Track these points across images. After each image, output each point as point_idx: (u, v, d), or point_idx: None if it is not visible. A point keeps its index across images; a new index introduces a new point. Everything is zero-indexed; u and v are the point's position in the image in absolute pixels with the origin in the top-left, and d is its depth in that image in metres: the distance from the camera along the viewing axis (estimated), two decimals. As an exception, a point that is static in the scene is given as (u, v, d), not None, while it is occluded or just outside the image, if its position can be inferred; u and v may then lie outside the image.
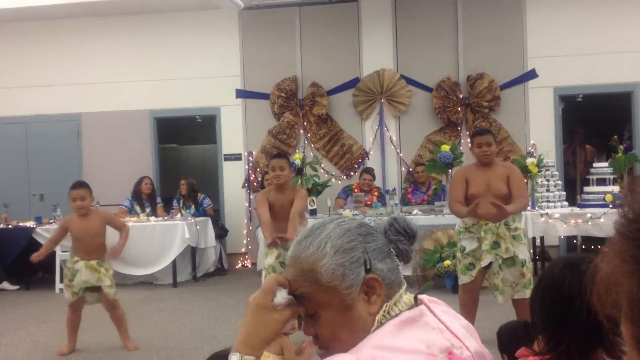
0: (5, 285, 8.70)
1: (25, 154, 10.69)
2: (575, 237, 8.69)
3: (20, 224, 8.97)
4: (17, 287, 8.73)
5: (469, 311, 4.99)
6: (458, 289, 5.45)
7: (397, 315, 1.30)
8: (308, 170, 8.88)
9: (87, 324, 5.79)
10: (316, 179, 8.79)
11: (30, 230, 8.70)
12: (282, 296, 1.31)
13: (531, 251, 8.01)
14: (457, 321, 1.36)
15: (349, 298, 1.27)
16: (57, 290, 8.39)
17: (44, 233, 8.60)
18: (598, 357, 1.59)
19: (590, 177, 8.05)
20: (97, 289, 5.45)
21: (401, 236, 1.37)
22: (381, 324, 1.29)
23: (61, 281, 8.42)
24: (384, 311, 1.30)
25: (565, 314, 1.57)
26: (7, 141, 10.67)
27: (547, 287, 1.64)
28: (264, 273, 5.51)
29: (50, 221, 8.99)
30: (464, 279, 5.19)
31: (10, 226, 8.94)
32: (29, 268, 8.94)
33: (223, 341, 5.65)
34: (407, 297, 1.35)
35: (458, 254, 5.28)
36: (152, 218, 8.93)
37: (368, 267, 1.29)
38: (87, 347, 5.61)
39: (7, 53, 10.72)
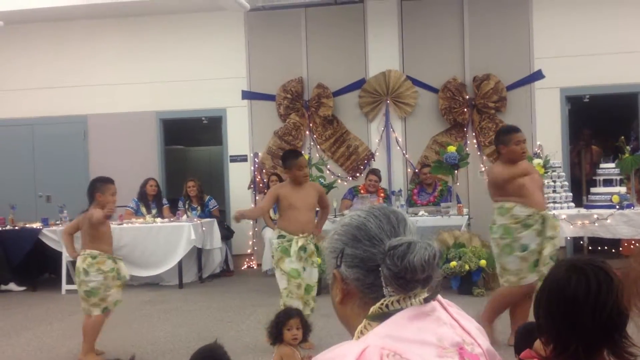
0: (12, 286, 8.73)
1: (32, 156, 10.73)
2: (581, 238, 8.65)
3: (27, 226, 9.00)
4: (23, 288, 8.75)
5: (516, 304, 5.11)
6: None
7: (400, 310, 1.29)
8: (314, 172, 8.88)
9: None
10: (322, 180, 8.79)
11: (36, 231, 8.73)
12: None
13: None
14: (468, 322, 1.36)
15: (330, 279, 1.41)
16: (63, 292, 8.42)
17: (51, 234, 8.63)
18: (603, 358, 1.58)
19: (597, 178, 8.02)
20: None
21: (395, 269, 1.28)
22: (362, 333, 1.29)
23: (67, 283, 8.49)
24: (365, 316, 1.31)
25: (572, 316, 1.56)
26: (14, 143, 10.72)
27: (552, 289, 1.63)
28: (284, 276, 5.35)
29: (57, 222, 9.02)
30: (531, 278, 4.99)
31: (17, 228, 8.97)
32: (36, 269, 8.99)
33: (228, 342, 5.64)
34: (416, 300, 1.32)
35: (518, 254, 5.00)
36: (158, 219, 8.94)
37: (338, 263, 1.37)
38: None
39: (15, 55, 10.77)
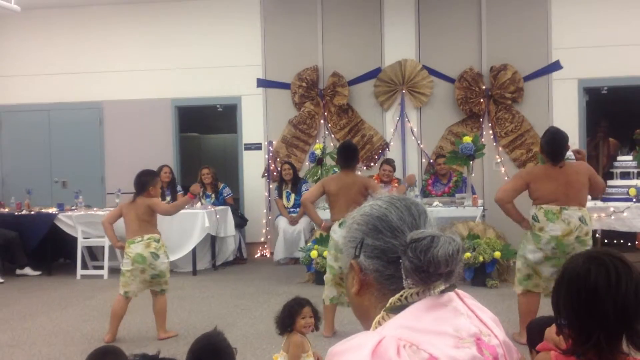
0: (28, 270, 8.81)
1: (48, 141, 10.80)
2: (596, 231, 8.58)
3: (43, 211, 9.08)
4: (39, 272, 8.83)
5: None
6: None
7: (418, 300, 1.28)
8: (328, 161, 8.87)
9: (107, 311, 5.84)
10: (336, 170, 8.77)
11: (52, 216, 8.80)
12: None
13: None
14: (484, 313, 1.35)
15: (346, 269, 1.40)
16: (78, 277, 8.49)
17: (66, 220, 8.70)
18: (622, 348, 1.59)
19: (614, 170, 7.94)
20: None
21: (416, 260, 1.26)
22: (379, 324, 1.28)
23: (82, 268, 8.57)
24: (383, 307, 1.30)
25: (593, 306, 1.56)
26: (30, 128, 10.79)
27: (572, 281, 1.63)
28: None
29: (72, 208, 9.08)
30: None
31: (32, 212, 9.04)
32: (51, 254, 9.07)
33: (242, 329, 5.68)
34: (434, 292, 1.30)
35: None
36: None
37: (357, 253, 1.34)
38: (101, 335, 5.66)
39: (31, 41, 10.82)
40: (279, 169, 9.83)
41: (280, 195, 9.50)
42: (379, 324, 1.28)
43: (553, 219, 4.83)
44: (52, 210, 9.04)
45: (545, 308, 4.47)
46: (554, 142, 4.98)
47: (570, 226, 4.81)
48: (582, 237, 4.82)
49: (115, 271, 8.55)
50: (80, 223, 8.59)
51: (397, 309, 1.27)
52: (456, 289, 1.36)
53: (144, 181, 5.68)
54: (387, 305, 1.29)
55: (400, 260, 1.28)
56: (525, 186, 5.05)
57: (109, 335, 5.44)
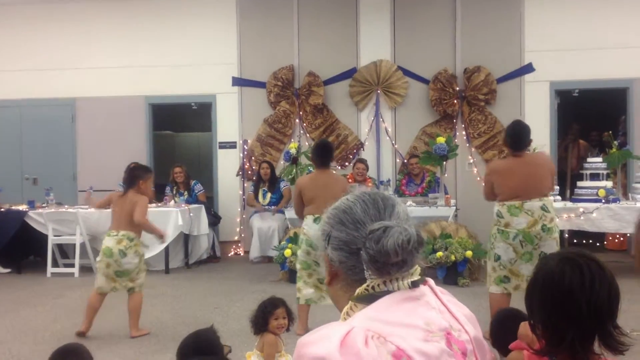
0: (-3, 268, 8.69)
1: (19, 138, 10.65)
2: (563, 231, 8.69)
3: (13, 208, 8.95)
4: (8, 270, 8.70)
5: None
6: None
7: (387, 292, 1.30)
8: (303, 160, 8.88)
9: (83, 307, 5.78)
10: (311, 169, 8.78)
11: (22, 213, 8.68)
12: None
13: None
14: (460, 309, 1.37)
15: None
16: (49, 275, 8.38)
17: (37, 217, 8.59)
18: (594, 349, 1.60)
19: (584, 172, 8.07)
20: None
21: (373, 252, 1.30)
22: (347, 314, 1.32)
23: (53, 265, 8.47)
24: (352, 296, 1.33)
25: (568, 307, 1.57)
26: (1, 125, 10.63)
27: (546, 281, 1.63)
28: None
29: (43, 205, 8.97)
30: None
31: (2, 209, 8.90)
32: (21, 252, 8.94)
33: (215, 327, 5.65)
34: (403, 283, 1.33)
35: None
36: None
37: (326, 245, 1.40)
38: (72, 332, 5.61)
39: (3, 36, 10.66)
40: (253, 167, 9.81)
41: (256, 193, 9.48)
42: (347, 314, 1.31)
43: (516, 213, 4.93)
44: (23, 207, 8.92)
45: (516, 305, 4.52)
46: (514, 131, 5.11)
47: (534, 216, 4.90)
48: (547, 224, 4.91)
49: (86, 269, 8.49)
50: (51, 220, 8.48)
51: (366, 300, 1.29)
52: (432, 284, 1.38)
53: (135, 175, 5.58)
54: (354, 295, 1.32)
55: (361, 252, 1.30)
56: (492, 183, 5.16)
57: (84, 326, 5.41)
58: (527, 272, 4.92)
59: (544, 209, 4.91)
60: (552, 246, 4.86)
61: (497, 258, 5.05)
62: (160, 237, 5.77)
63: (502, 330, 2.72)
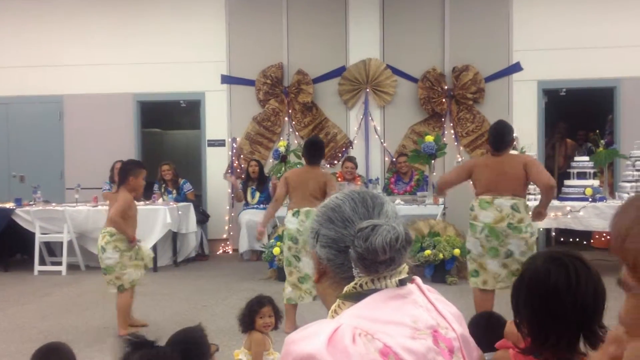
0: (-16, 266, 8.62)
1: (6, 135, 10.57)
2: (549, 230, 8.74)
3: (0, 206, 8.88)
4: (-5, 268, 8.66)
5: None
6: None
7: (374, 290, 1.31)
8: (292, 158, 8.88)
9: (70, 305, 5.76)
10: (299, 167, 8.78)
11: (9, 211, 8.62)
12: None
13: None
14: (447, 307, 1.38)
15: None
16: (36, 273, 8.33)
17: (24, 215, 8.53)
18: (579, 348, 1.61)
19: (571, 170, 8.12)
20: None
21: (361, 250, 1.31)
22: (335, 312, 1.32)
23: (40, 264, 8.41)
24: (340, 293, 1.34)
25: (553, 306, 1.57)
26: (-13, 121, 10.55)
27: (532, 281, 1.64)
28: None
29: (30, 203, 8.91)
30: None
31: (-11, 207, 8.85)
32: (8, 250, 8.89)
33: (203, 325, 5.64)
34: (391, 281, 1.33)
35: None
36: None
37: (314, 243, 1.41)
38: (68, 329, 5.58)
39: (-11, 32, 10.58)
40: (242, 165, 9.79)
41: (245, 192, 9.47)
42: (335, 312, 1.31)
43: (486, 207, 5.00)
44: (10, 205, 8.86)
45: (502, 303, 4.55)
46: (496, 131, 5.21)
47: (502, 213, 4.95)
48: (514, 224, 4.94)
49: (73, 267, 8.45)
50: (38, 218, 8.43)
51: (354, 297, 1.30)
52: (420, 283, 1.39)
53: (126, 170, 5.54)
54: (342, 293, 1.33)
55: (350, 250, 1.31)
56: (467, 175, 5.24)
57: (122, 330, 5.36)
58: (494, 267, 5.03)
59: (514, 208, 4.96)
60: (520, 245, 4.93)
61: (468, 252, 5.20)
62: (130, 241, 5.49)
63: (476, 331, 2.74)
